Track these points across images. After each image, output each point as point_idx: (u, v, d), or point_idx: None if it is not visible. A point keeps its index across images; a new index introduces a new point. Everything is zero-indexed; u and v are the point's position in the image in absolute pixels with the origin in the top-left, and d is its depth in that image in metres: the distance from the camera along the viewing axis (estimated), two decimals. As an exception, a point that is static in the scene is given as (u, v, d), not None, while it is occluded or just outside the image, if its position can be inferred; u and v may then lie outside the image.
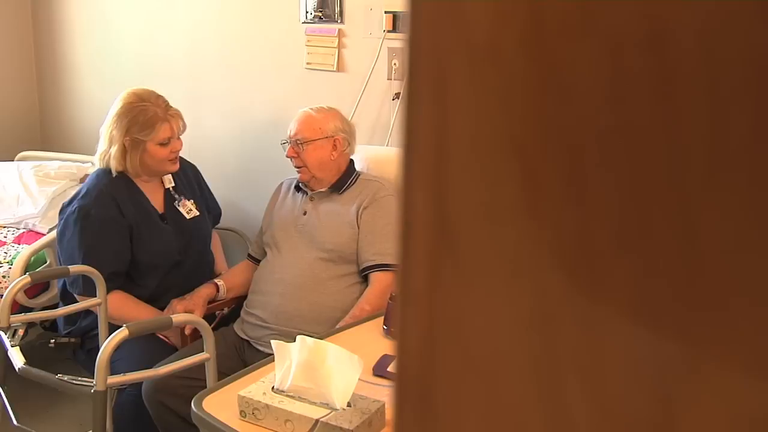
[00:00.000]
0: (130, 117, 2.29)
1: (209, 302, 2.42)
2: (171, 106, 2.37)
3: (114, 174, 2.34)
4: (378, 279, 2.18)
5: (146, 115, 2.30)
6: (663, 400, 0.31)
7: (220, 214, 2.73)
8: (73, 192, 2.48)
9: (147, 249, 2.33)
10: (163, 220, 2.41)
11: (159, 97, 2.36)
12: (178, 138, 2.38)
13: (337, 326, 2.07)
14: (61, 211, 2.38)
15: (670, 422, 0.32)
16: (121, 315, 2.24)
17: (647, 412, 0.32)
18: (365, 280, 2.22)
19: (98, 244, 2.26)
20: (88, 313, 2.34)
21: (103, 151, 2.36)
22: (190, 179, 2.57)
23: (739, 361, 0.30)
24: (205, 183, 2.66)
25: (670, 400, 0.31)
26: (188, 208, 2.47)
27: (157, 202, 2.43)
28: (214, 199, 2.69)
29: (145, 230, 2.34)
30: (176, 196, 2.46)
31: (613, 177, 0.31)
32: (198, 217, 2.49)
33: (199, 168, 2.66)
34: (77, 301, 2.29)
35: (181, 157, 2.51)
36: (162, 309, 2.36)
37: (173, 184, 2.47)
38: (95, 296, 2.17)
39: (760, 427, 0.30)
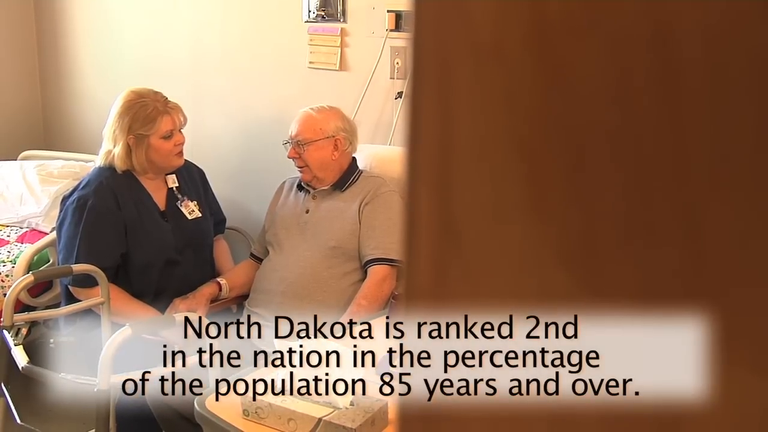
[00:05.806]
0: (131, 114, 2.31)
1: (212, 301, 2.42)
2: (170, 101, 2.39)
3: (118, 171, 2.35)
4: (374, 272, 2.17)
5: (146, 110, 2.32)
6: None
7: (223, 221, 2.72)
8: (76, 189, 2.49)
9: (142, 244, 2.34)
10: (163, 217, 2.42)
11: (157, 93, 2.39)
12: (180, 131, 2.40)
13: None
14: (62, 202, 2.40)
15: (675, 419, 0.32)
16: (117, 309, 2.24)
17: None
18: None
19: (95, 237, 2.28)
20: (86, 312, 2.34)
21: (107, 151, 2.37)
22: (195, 180, 2.57)
23: (745, 358, 0.30)
24: (210, 188, 2.66)
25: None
26: (190, 209, 2.48)
27: (160, 199, 2.44)
28: (218, 204, 2.69)
29: (140, 226, 2.35)
30: (179, 196, 2.47)
31: (618, 176, 0.31)
32: (200, 218, 2.49)
33: (202, 168, 2.66)
34: (79, 300, 2.29)
35: (188, 160, 2.52)
36: (159, 309, 2.36)
37: (177, 184, 2.47)
38: (88, 287, 2.19)
39: (766, 423, 0.30)
